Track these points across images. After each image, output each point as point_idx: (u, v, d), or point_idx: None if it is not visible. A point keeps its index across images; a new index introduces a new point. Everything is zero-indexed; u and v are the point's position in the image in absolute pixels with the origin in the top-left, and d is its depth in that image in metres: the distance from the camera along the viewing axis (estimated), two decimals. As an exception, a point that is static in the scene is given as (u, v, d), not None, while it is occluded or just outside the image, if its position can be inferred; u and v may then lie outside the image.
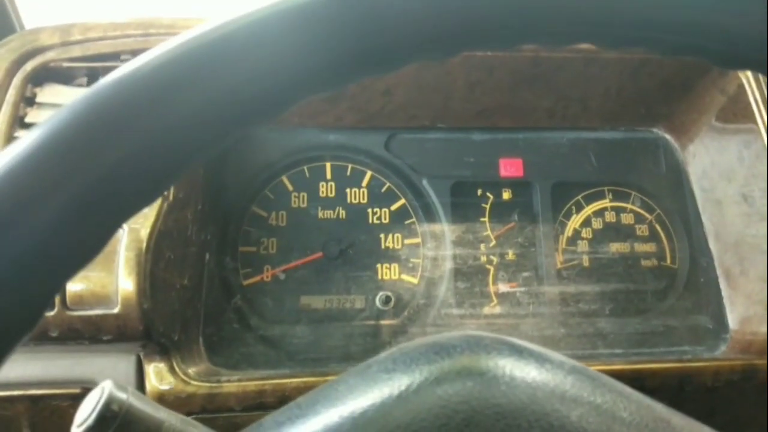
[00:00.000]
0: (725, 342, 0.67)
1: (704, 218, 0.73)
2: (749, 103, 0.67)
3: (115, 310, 0.52)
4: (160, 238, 0.55)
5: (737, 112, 0.68)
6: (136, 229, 0.54)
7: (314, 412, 0.24)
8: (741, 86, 0.68)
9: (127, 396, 0.35)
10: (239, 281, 0.67)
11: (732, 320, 0.68)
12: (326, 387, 0.27)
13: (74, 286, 0.52)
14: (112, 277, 0.52)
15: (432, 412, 0.23)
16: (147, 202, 0.20)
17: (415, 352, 0.27)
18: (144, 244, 0.53)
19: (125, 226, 0.54)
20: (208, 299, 0.64)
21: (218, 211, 0.68)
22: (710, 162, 0.73)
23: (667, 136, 0.77)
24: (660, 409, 0.27)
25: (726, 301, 0.69)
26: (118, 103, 0.19)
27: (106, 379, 0.58)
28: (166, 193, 0.58)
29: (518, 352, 0.27)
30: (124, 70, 0.20)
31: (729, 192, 0.70)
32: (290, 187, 0.72)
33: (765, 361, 0.61)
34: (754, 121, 0.66)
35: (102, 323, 0.52)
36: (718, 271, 0.70)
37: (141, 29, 0.65)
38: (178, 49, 0.20)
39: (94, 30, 0.64)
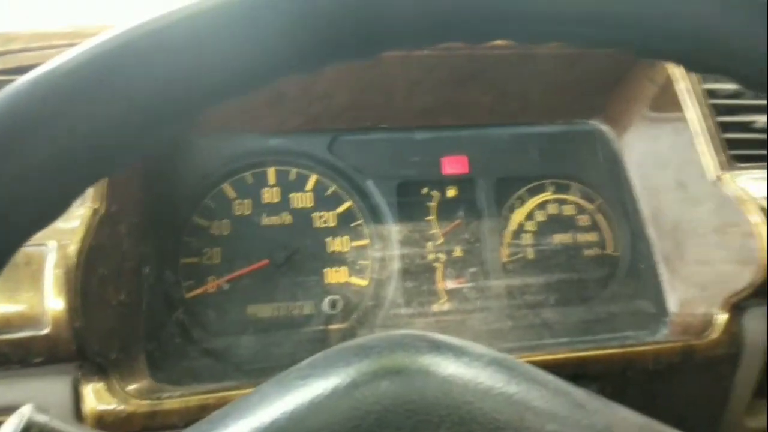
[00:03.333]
0: (666, 325, 0.69)
1: (642, 206, 0.75)
2: (677, 92, 0.69)
3: (45, 331, 0.50)
4: (91, 253, 0.53)
5: (667, 101, 0.70)
6: (65, 246, 0.52)
7: (224, 425, 0.24)
8: (669, 76, 0.70)
9: (48, 419, 0.34)
10: (181, 294, 0.66)
11: (672, 303, 0.70)
12: (242, 399, 0.26)
13: None
14: (41, 297, 0.50)
15: (344, 415, 0.23)
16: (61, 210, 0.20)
17: (335, 356, 0.27)
18: (73, 261, 0.51)
19: (53, 243, 0.52)
20: (148, 314, 0.62)
21: (157, 224, 0.66)
22: (645, 151, 0.75)
23: (604, 128, 0.79)
24: (578, 395, 0.27)
25: (665, 286, 0.71)
26: (42, 98, 0.18)
27: (41, 404, 0.55)
28: (96, 206, 0.56)
29: (437, 347, 0.27)
30: (49, 65, 0.19)
31: (664, 179, 0.72)
32: (232, 195, 0.71)
33: (702, 342, 0.63)
34: (683, 110, 0.68)
35: (31, 345, 0.50)
36: (657, 257, 0.72)
37: (66, 39, 0.63)
38: (112, 41, 0.19)
39: (15, 41, 0.62)
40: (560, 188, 0.76)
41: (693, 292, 0.68)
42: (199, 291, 0.66)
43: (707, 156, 0.65)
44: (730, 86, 0.68)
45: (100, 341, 0.53)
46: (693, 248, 0.69)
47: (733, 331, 0.64)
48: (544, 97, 0.75)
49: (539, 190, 0.76)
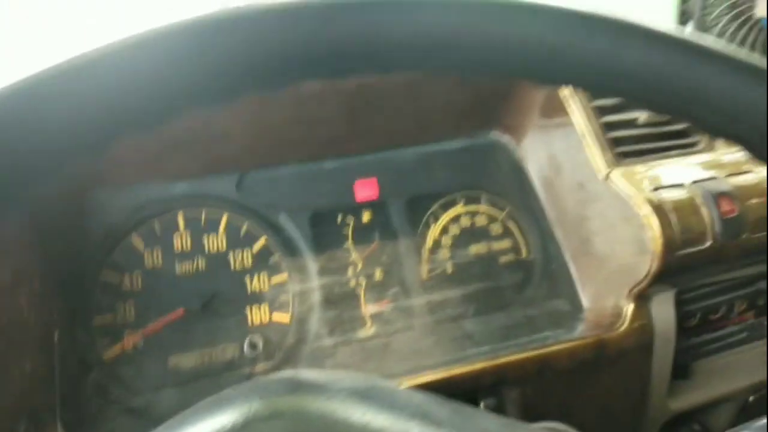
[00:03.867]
0: (582, 321, 0.71)
1: (548, 209, 0.78)
2: (562, 98, 0.73)
3: (-61, 417, 0.48)
4: (-16, 328, 0.51)
5: (555, 108, 0.74)
6: (-46, 324, 0.50)
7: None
8: (555, 84, 0.74)
9: None
10: (97, 354, 0.64)
11: (585, 300, 0.73)
12: None
13: None
14: (-69, 381, 0.48)
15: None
16: None
17: (192, 414, 0.27)
18: (-36, 339, 0.49)
19: (-60, 322, 0.50)
20: (62, 380, 0.60)
21: (62, 285, 0.64)
22: (543, 156, 0.78)
23: (504, 138, 0.82)
24: (440, 414, 0.28)
25: (577, 283, 0.74)
26: None
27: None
28: (-11, 278, 0.54)
29: (295, 388, 0.27)
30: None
31: (563, 182, 0.75)
32: (141, 246, 0.69)
33: (613, 334, 0.65)
34: (569, 114, 0.72)
35: (-73, 433, 0.48)
36: (566, 256, 0.75)
37: None
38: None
39: None
40: (470, 200, 0.79)
41: (601, 287, 0.71)
42: (115, 349, 0.65)
43: (595, 155, 0.69)
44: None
45: (5, 416, 0.51)
46: (597, 244, 0.72)
47: (641, 320, 0.67)
48: (443, 114, 0.78)
49: (450, 204, 0.78)
